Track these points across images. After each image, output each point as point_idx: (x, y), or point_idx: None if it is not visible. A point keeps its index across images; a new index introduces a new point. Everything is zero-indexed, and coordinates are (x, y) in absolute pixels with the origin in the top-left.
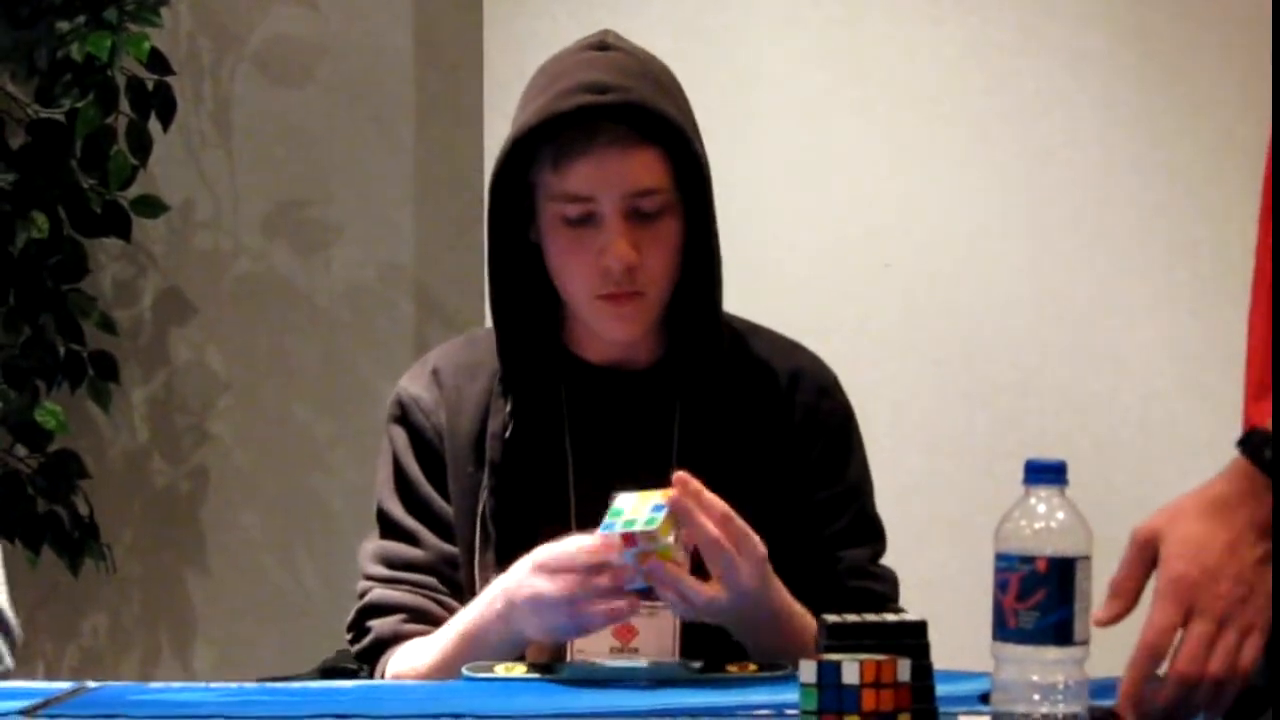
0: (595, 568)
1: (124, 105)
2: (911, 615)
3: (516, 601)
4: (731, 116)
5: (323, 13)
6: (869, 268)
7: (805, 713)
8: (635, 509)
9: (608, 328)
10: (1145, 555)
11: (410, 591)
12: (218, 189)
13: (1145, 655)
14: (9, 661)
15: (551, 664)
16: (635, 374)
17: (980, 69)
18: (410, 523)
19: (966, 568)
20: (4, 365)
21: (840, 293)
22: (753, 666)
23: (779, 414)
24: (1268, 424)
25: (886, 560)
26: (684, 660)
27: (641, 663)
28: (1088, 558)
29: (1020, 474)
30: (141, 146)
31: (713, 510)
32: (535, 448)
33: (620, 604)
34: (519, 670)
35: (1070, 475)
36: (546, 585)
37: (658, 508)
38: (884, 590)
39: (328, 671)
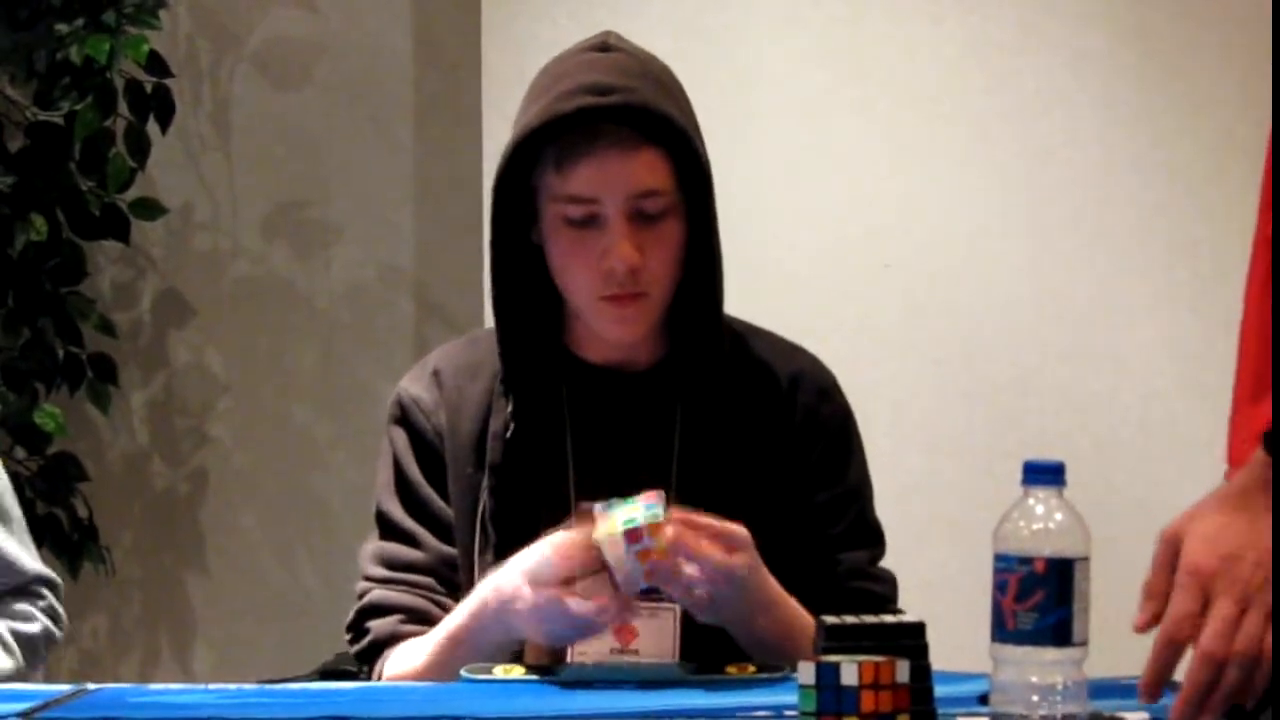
0: (586, 573)
1: (123, 108)
2: (910, 616)
3: (511, 609)
4: (732, 116)
5: (321, 14)
6: (869, 267)
7: (804, 714)
8: (629, 510)
9: (610, 329)
10: (1171, 553)
11: (409, 592)
12: (217, 191)
13: (1164, 645)
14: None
15: (551, 665)
16: (636, 375)
17: (980, 68)
18: (410, 524)
19: (965, 568)
20: (3, 368)
21: (840, 292)
22: (752, 668)
23: (779, 416)
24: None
25: (885, 561)
26: (683, 662)
27: (641, 664)
28: (1086, 558)
29: (1019, 474)
30: (140, 149)
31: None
32: (536, 449)
33: (612, 607)
34: (518, 672)
35: (1070, 475)
36: (539, 596)
37: (651, 505)
38: (883, 592)
39: (327, 673)
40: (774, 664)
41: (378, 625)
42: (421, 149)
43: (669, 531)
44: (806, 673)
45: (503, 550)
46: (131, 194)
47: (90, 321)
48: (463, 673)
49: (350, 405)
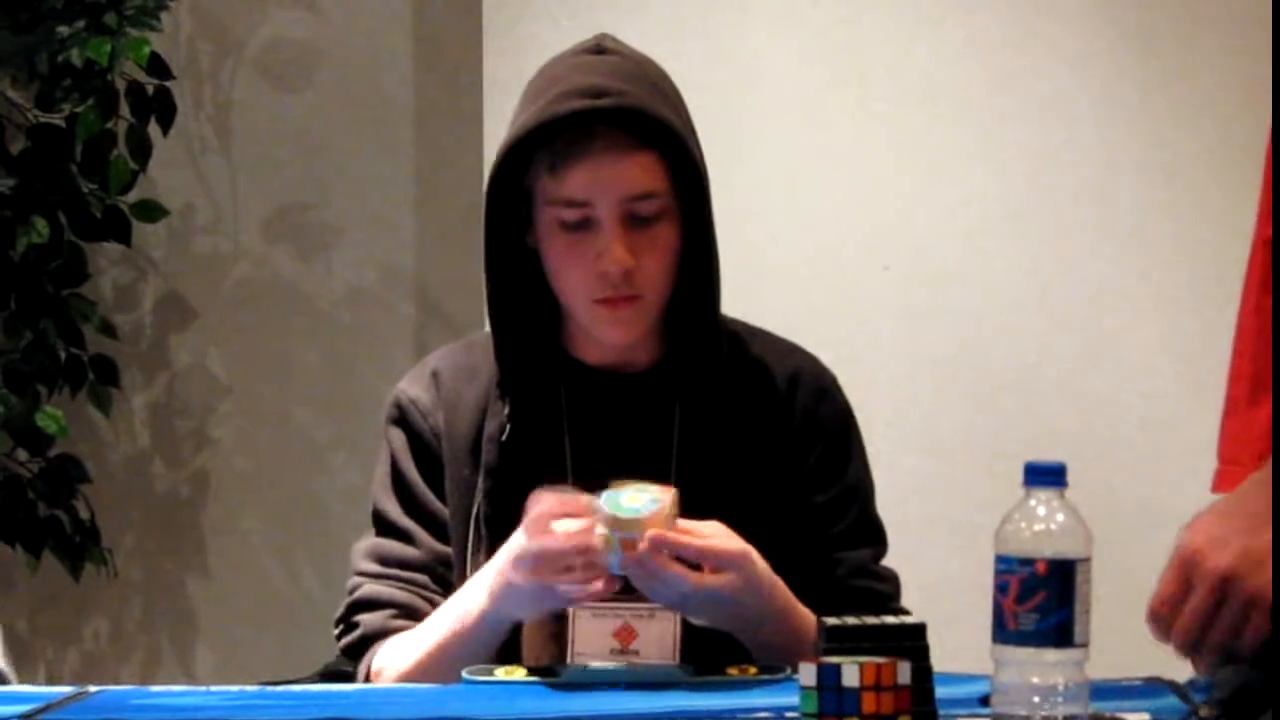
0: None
1: (124, 110)
2: (911, 617)
3: (500, 591)
4: (731, 117)
5: (322, 16)
6: (869, 267)
7: (806, 715)
8: (631, 498)
9: (606, 331)
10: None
11: (401, 588)
12: (218, 193)
13: (1150, 623)
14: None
15: (551, 667)
16: (634, 377)
17: (980, 68)
18: (405, 522)
19: (966, 569)
20: (4, 370)
21: (840, 293)
22: (753, 669)
23: (778, 416)
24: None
25: (886, 561)
26: (684, 663)
27: (642, 665)
28: (1088, 560)
29: (1020, 475)
30: (141, 151)
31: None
32: (534, 450)
33: (598, 586)
34: (519, 674)
35: (1070, 475)
36: (525, 580)
37: (654, 501)
38: (886, 590)
39: (328, 675)
40: (775, 665)
41: (367, 619)
42: (422, 151)
43: (644, 543)
44: (808, 674)
45: (495, 552)
46: (133, 196)
47: (92, 323)
48: (464, 674)
49: (351, 407)
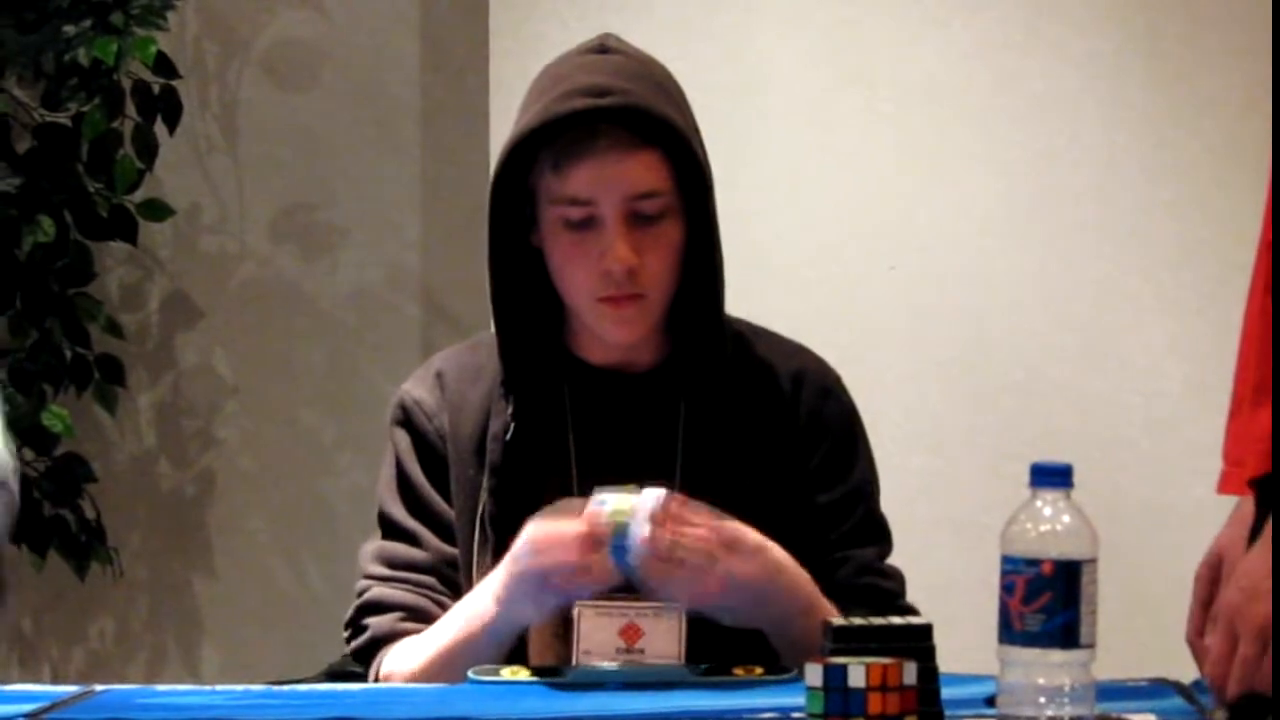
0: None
1: (130, 109)
2: (918, 616)
3: (504, 591)
4: (738, 117)
5: (329, 16)
6: (874, 267)
7: (812, 715)
8: (623, 499)
9: (609, 330)
10: (1210, 570)
11: (409, 590)
12: (224, 193)
13: (1211, 688)
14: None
15: (557, 667)
16: (638, 376)
17: (986, 69)
18: (411, 524)
19: (973, 570)
20: (11, 369)
21: (846, 293)
22: (759, 669)
23: (783, 416)
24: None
25: (892, 561)
26: (690, 663)
27: (648, 665)
28: (1094, 560)
29: (1026, 475)
30: (148, 150)
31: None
32: (538, 450)
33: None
34: (524, 674)
35: (1076, 476)
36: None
37: (644, 500)
38: (892, 588)
39: (334, 675)
40: (782, 665)
41: (377, 622)
42: (428, 152)
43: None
44: (814, 674)
45: (502, 552)
46: (139, 195)
47: (98, 323)
48: (470, 674)
49: (357, 407)
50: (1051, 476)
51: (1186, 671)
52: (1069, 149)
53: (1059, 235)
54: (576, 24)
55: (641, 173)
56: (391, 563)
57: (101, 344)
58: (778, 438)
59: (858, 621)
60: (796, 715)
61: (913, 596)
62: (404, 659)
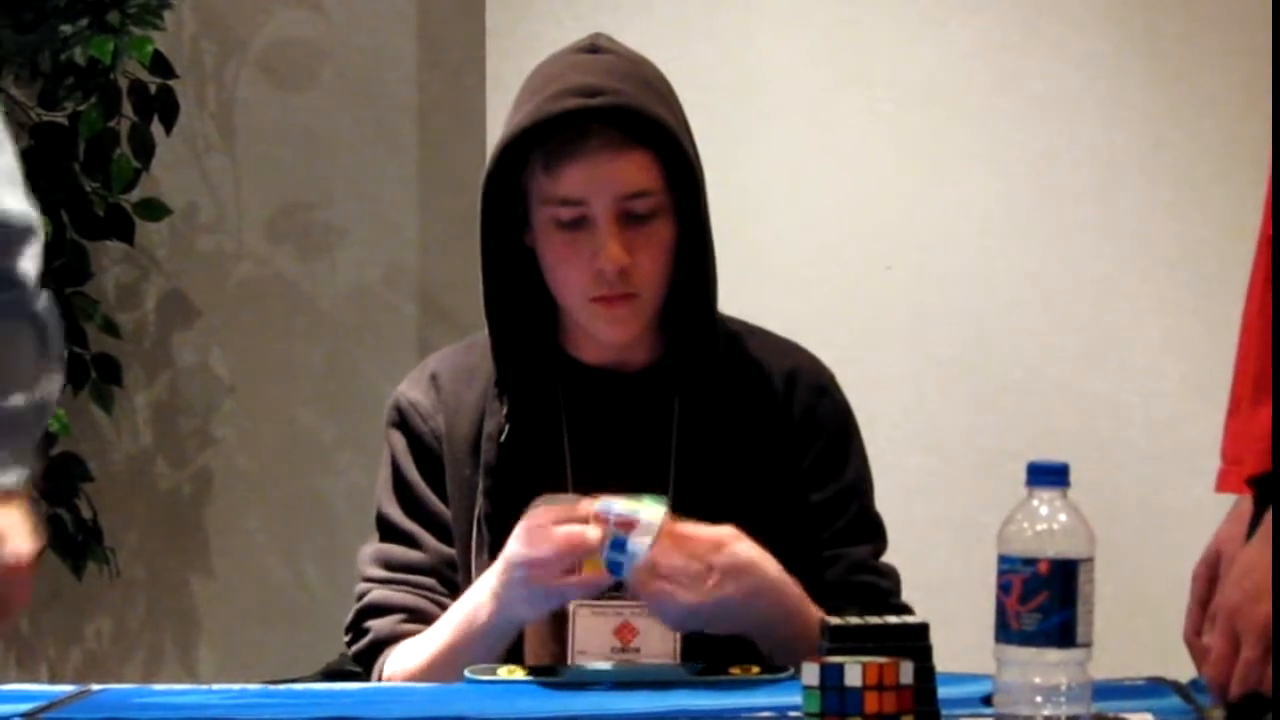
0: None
1: (127, 108)
2: (912, 614)
3: (500, 589)
4: (736, 117)
5: (326, 16)
6: (873, 267)
7: (808, 715)
8: (625, 505)
9: (602, 330)
10: (1209, 568)
11: (409, 592)
12: (221, 192)
13: (1210, 687)
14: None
15: (553, 666)
16: (632, 375)
17: (985, 69)
18: (409, 525)
19: (969, 569)
20: None
21: (844, 293)
22: (755, 669)
23: (777, 414)
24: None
25: (890, 560)
26: (686, 663)
27: (642, 665)
28: (1090, 560)
29: (1023, 475)
30: (144, 150)
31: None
32: (533, 450)
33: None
34: (520, 673)
35: (1073, 476)
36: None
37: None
38: (887, 586)
39: (332, 674)
40: (779, 664)
41: (377, 625)
42: (425, 151)
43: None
44: (810, 674)
45: (498, 551)
46: (136, 195)
47: (94, 322)
48: (466, 674)
49: (354, 406)
50: (1048, 476)
51: (1184, 670)
52: (1069, 149)
53: (1058, 235)
54: (573, 23)
55: (633, 172)
56: (390, 565)
57: (98, 343)
58: (771, 436)
59: (854, 621)
60: (793, 714)
61: (910, 595)
62: (404, 660)
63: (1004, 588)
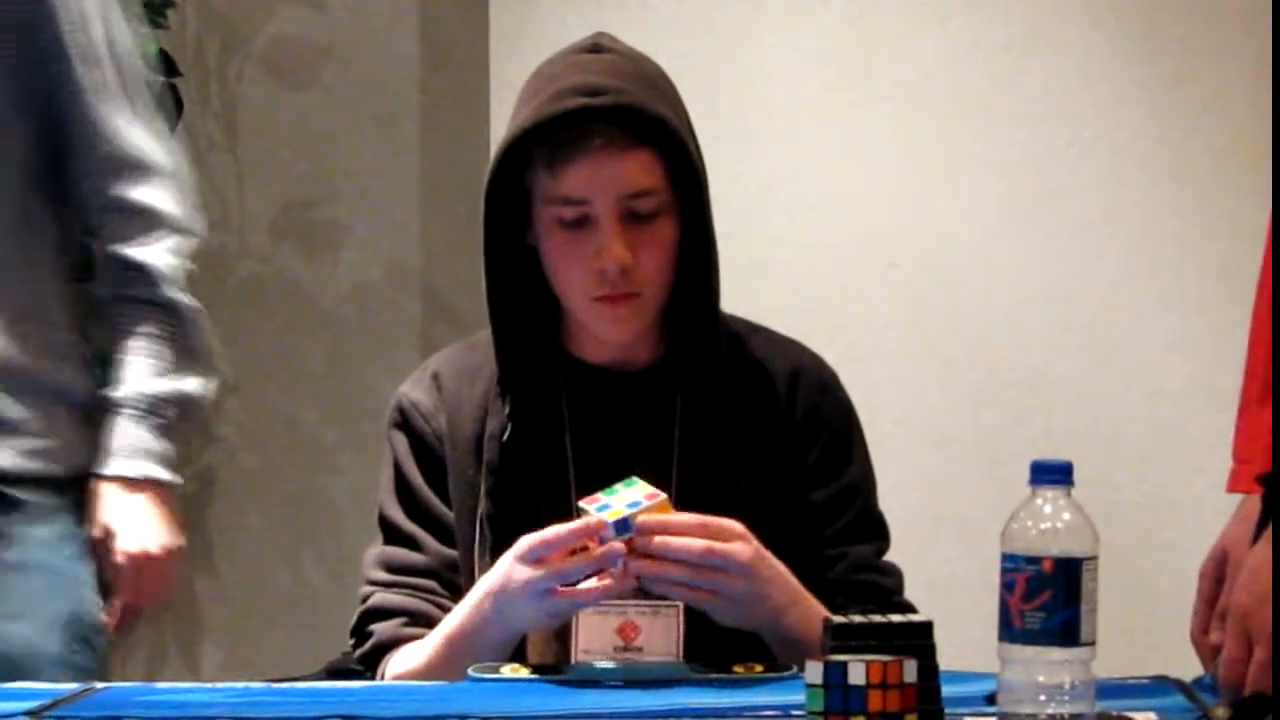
0: (576, 549)
1: None
2: (915, 612)
3: (502, 595)
4: (739, 116)
5: (329, 15)
6: (876, 266)
7: (812, 713)
8: (622, 497)
9: (605, 329)
10: (1216, 566)
11: (411, 595)
12: (224, 190)
13: (1225, 690)
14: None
15: (556, 664)
16: (634, 374)
17: (988, 69)
18: (411, 527)
19: (973, 568)
20: None
21: (848, 292)
22: (759, 667)
23: (779, 413)
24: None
25: (893, 559)
26: (689, 661)
27: (647, 663)
28: (1094, 558)
29: (1027, 474)
30: None
31: (682, 526)
32: (535, 450)
33: (607, 582)
34: (524, 671)
35: (1077, 474)
36: (529, 573)
37: (634, 504)
38: (890, 584)
39: (335, 672)
40: (782, 663)
41: (381, 628)
42: (429, 149)
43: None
44: (814, 672)
45: (501, 552)
46: None
47: None
48: (470, 672)
49: (357, 405)
50: (1052, 474)
51: (1188, 669)
52: (1070, 148)
53: (1059, 234)
54: (576, 22)
55: (635, 172)
56: (392, 568)
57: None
58: (774, 434)
59: (858, 619)
60: (797, 713)
61: (913, 594)
62: (407, 663)
63: (1008, 586)
